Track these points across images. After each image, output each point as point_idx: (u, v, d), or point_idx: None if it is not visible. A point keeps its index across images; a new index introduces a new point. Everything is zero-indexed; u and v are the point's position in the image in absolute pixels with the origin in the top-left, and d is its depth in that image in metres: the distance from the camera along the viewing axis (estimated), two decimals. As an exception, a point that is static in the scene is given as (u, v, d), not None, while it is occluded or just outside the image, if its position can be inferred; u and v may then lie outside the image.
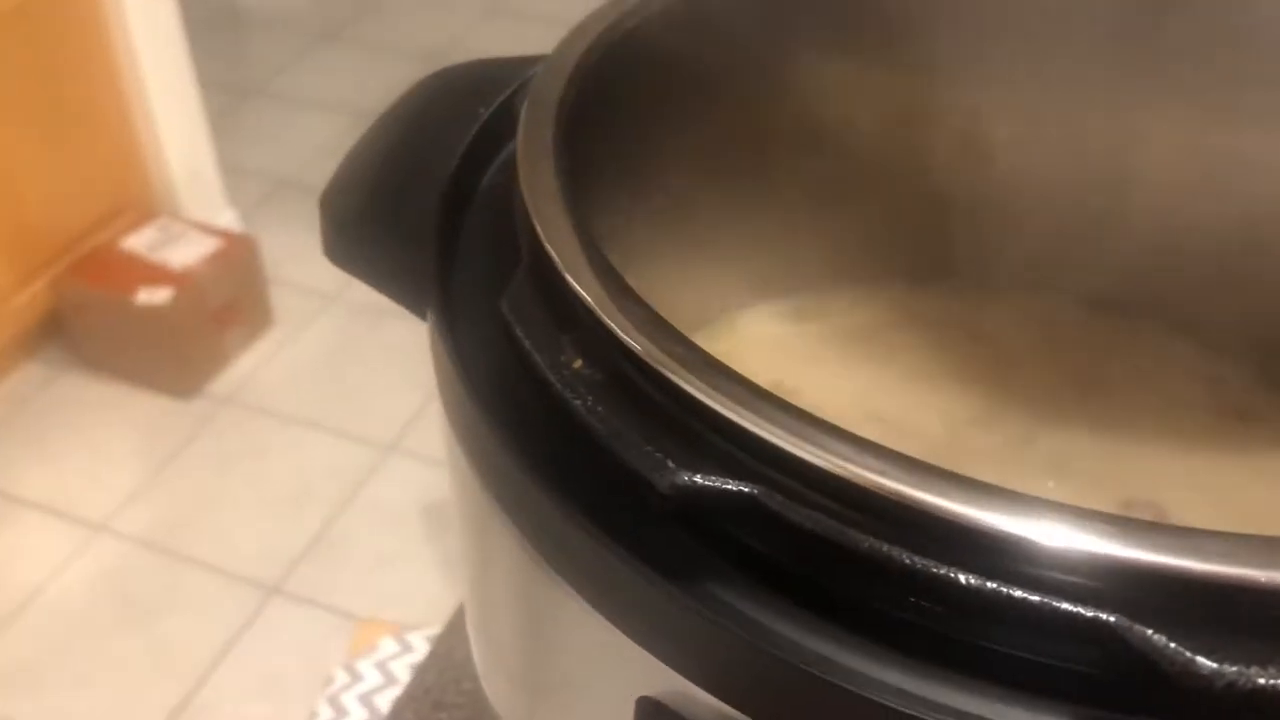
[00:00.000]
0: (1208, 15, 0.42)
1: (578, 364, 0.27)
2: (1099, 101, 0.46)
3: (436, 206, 0.33)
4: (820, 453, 0.23)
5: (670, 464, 0.24)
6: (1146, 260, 0.49)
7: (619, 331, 0.26)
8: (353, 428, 1.68)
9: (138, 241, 1.73)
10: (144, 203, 1.82)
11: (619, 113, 0.38)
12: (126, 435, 1.69)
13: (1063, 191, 0.49)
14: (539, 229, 0.28)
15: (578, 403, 0.26)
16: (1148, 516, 0.41)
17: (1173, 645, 0.21)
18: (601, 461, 0.25)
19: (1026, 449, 0.44)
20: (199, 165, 1.88)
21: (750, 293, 0.50)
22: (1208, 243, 0.47)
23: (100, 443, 1.68)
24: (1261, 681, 0.20)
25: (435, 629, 0.79)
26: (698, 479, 0.24)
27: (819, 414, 0.46)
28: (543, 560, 0.26)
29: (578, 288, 0.27)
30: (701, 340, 0.49)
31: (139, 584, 1.51)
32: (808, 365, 0.48)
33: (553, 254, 0.28)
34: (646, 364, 0.25)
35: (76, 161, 1.72)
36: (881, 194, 0.49)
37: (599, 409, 0.26)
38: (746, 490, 0.24)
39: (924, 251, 0.51)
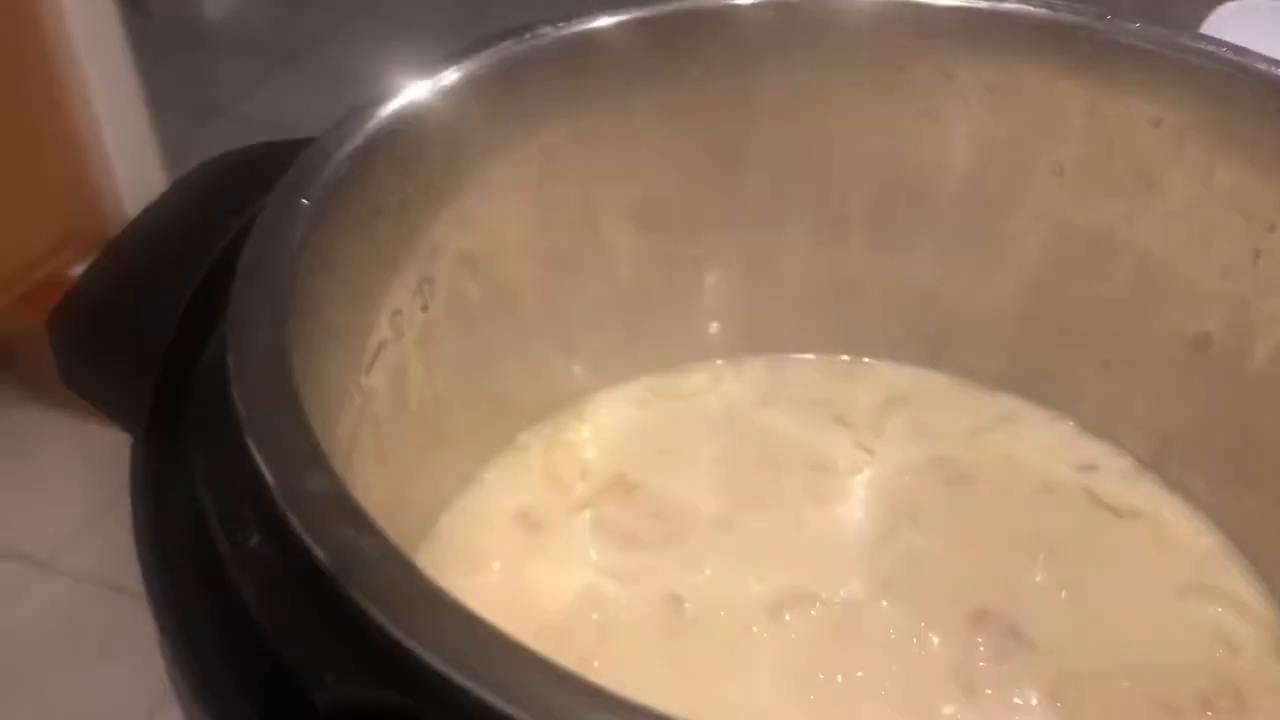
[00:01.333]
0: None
1: (254, 540, 0.24)
2: (960, 171, 0.43)
3: (173, 328, 0.30)
4: (482, 682, 0.20)
5: (329, 675, 0.21)
6: (1024, 335, 0.45)
7: (289, 514, 0.22)
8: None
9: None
10: (94, 231, 1.78)
11: (403, 204, 0.35)
12: (77, 468, 1.66)
13: (931, 263, 0.45)
14: (231, 376, 0.25)
15: (248, 585, 0.23)
16: (999, 632, 0.38)
17: None
18: (265, 655, 0.22)
19: (882, 548, 0.41)
20: (151, 190, 1.85)
21: (597, 376, 0.46)
22: (1086, 318, 0.44)
23: (50, 476, 1.65)
24: None
25: None
26: (356, 692, 0.21)
27: (663, 508, 0.43)
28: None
29: (257, 458, 0.23)
30: (545, 432, 0.46)
31: (88, 622, 1.48)
32: (657, 455, 0.44)
33: (240, 411, 0.24)
34: (312, 556, 0.22)
35: (21, 190, 1.68)
36: (737, 269, 0.46)
37: (269, 594, 0.23)
38: (407, 708, 0.21)
39: (788, 323, 0.48)
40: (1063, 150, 0.40)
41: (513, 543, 0.41)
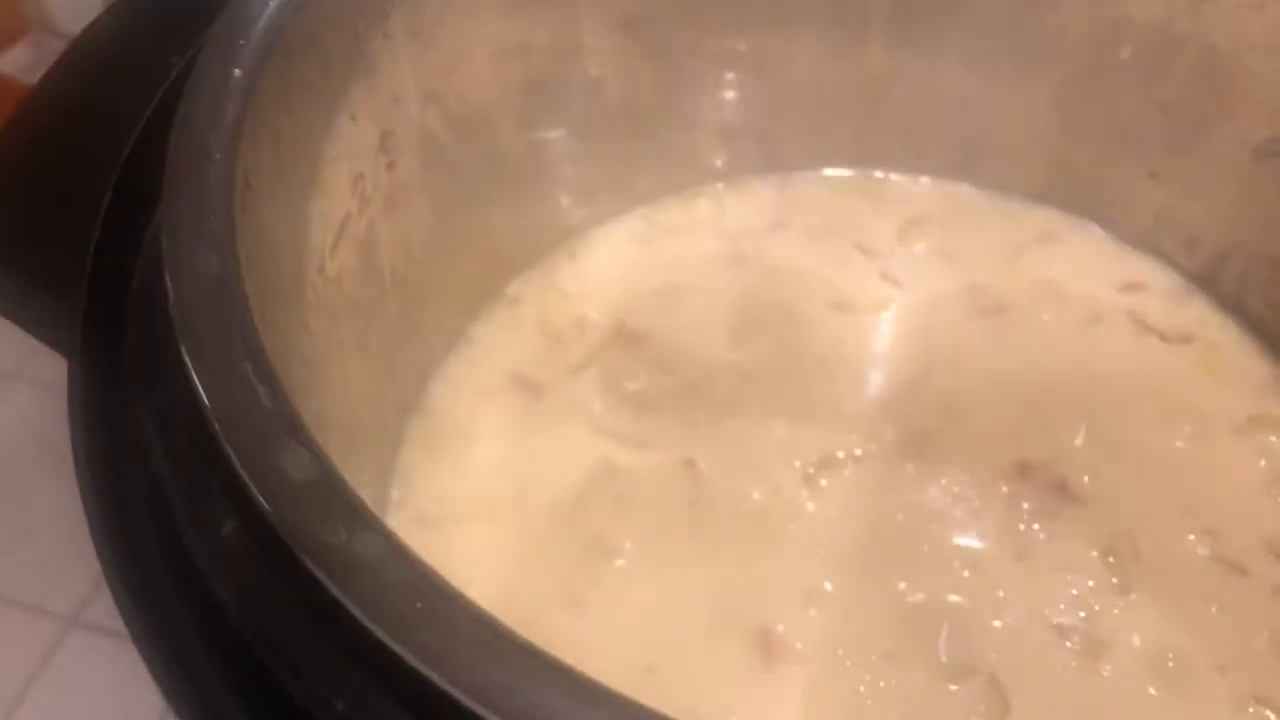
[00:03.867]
0: None
1: (228, 527, 0.20)
2: None
3: (99, 219, 0.25)
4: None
5: (340, 704, 0.18)
6: (1064, 143, 0.41)
7: (269, 512, 0.18)
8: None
9: (8, 62, 1.58)
10: (10, 17, 1.65)
11: (356, 43, 0.30)
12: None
13: (962, 68, 0.40)
14: (175, 324, 0.21)
15: (222, 581, 0.19)
16: (1045, 488, 0.35)
17: None
18: (246, 659, 0.19)
19: (916, 396, 0.37)
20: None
21: (589, 210, 0.41)
22: (1136, 124, 0.39)
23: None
24: None
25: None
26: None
27: (671, 360, 0.39)
28: None
29: (224, 442, 0.19)
30: (536, 280, 0.41)
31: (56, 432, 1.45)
32: (659, 298, 0.40)
33: (193, 374, 0.20)
34: (300, 563, 0.18)
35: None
36: (739, 78, 0.40)
37: (250, 596, 0.19)
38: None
39: (796, 136, 0.42)
40: (1120, -70, 0.35)
41: (511, 410, 0.37)
